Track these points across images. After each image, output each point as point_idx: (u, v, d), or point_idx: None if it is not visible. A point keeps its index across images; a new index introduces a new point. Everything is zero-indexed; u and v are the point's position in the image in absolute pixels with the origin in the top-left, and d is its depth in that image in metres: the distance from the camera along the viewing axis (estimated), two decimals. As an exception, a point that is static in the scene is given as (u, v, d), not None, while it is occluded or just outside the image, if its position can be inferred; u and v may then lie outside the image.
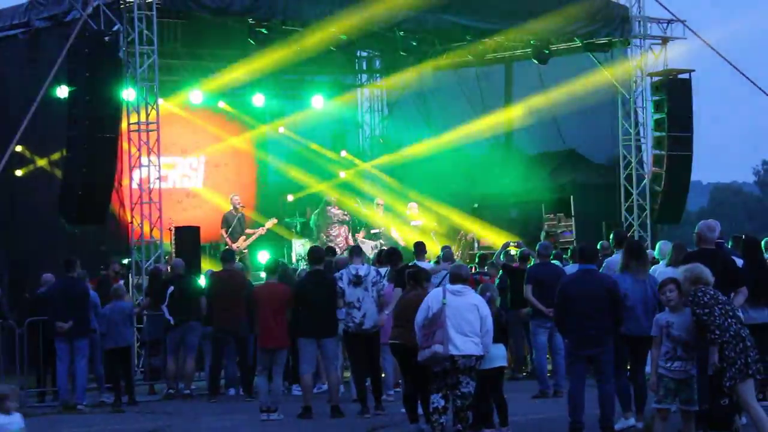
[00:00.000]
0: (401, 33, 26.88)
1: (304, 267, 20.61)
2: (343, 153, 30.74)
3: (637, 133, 27.03)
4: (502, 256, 20.36)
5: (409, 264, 16.88)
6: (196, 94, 26.99)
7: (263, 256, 25.42)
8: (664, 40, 27.08)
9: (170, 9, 23.02)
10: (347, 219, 27.47)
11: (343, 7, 23.62)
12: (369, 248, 25.61)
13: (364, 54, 31.61)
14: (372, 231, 27.48)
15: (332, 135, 31.14)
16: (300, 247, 26.47)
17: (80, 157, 20.97)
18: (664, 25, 27.05)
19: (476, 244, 27.27)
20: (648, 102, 26.91)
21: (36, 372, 19.28)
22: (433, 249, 23.17)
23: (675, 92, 26.44)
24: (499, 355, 14.05)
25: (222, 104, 28.43)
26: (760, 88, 27.79)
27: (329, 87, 30.63)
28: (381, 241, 26.63)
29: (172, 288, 19.32)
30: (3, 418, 9.58)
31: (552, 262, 18.42)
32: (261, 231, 26.43)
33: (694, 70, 26.68)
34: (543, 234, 25.28)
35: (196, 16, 23.68)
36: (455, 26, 25.93)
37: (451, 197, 28.92)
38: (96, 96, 20.93)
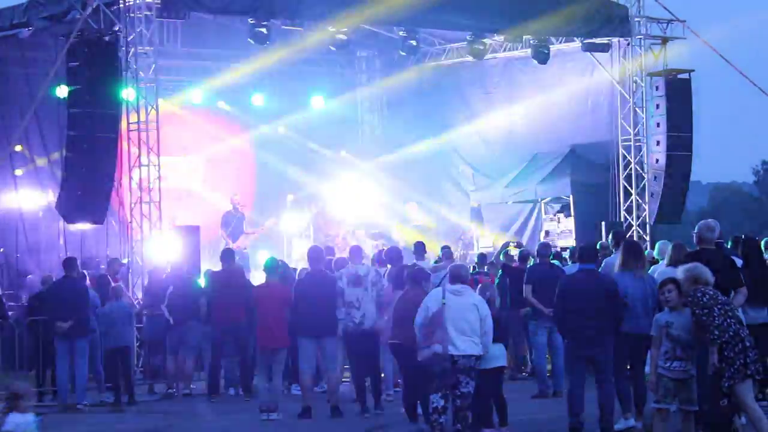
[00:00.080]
0: (401, 33, 26.89)
1: (304, 267, 20.60)
2: (343, 153, 30.74)
3: (637, 133, 27.02)
4: (501, 256, 20.36)
5: (408, 264, 16.87)
6: (195, 94, 27.01)
7: (263, 256, 25.40)
8: (664, 40, 27.06)
9: (170, 9, 23.01)
10: (345, 220, 27.48)
11: (342, 7, 23.61)
12: (370, 247, 25.62)
13: (364, 54, 31.61)
14: (371, 231, 27.48)
15: (332, 134, 31.14)
16: (300, 246, 26.47)
17: (80, 156, 20.97)
18: (664, 25, 27.03)
19: (476, 244, 27.27)
20: (648, 102, 26.91)
21: (35, 372, 19.28)
22: (433, 249, 23.17)
23: (675, 92, 26.43)
24: (499, 355, 14.04)
25: (222, 104, 28.45)
26: (759, 88, 27.77)
27: (329, 87, 30.64)
28: (382, 240, 26.63)
29: (171, 288, 19.31)
30: (19, 417, 9.60)
31: (551, 262, 18.42)
32: (260, 231, 26.42)
33: (693, 70, 26.68)
34: (542, 234, 25.29)
35: (196, 15, 23.69)
36: (455, 26, 25.94)
37: (451, 197, 28.92)
38: (96, 96, 20.92)
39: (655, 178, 26.77)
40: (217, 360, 19.18)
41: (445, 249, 20.42)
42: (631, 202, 26.97)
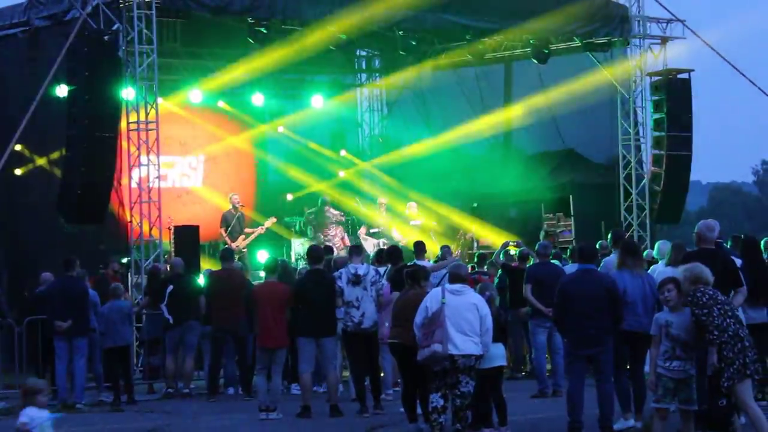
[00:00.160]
0: (401, 32, 26.90)
1: (304, 266, 20.61)
2: (343, 152, 30.75)
3: (637, 133, 27.02)
4: (501, 256, 20.35)
5: (408, 264, 16.87)
6: (195, 94, 26.99)
7: (262, 256, 25.42)
8: (664, 40, 27.08)
9: (170, 8, 23.03)
10: (343, 220, 27.50)
11: (342, 7, 23.62)
12: (371, 245, 25.62)
13: (364, 53, 31.61)
14: (371, 230, 27.48)
15: (331, 134, 31.16)
16: (299, 246, 26.48)
17: (79, 156, 20.98)
18: (664, 24, 27.04)
19: (475, 244, 27.27)
20: (647, 102, 26.91)
21: (35, 371, 19.24)
22: (433, 248, 23.17)
23: (674, 92, 26.44)
24: (499, 355, 14.05)
25: (221, 103, 28.43)
26: (759, 88, 27.80)
27: (329, 86, 30.64)
28: (383, 239, 26.62)
29: (171, 287, 19.31)
30: (35, 411, 9.69)
31: (551, 261, 18.42)
32: (260, 230, 26.43)
33: (693, 70, 26.70)
34: (542, 233, 25.29)
35: (196, 15, 23.69)
36: (455, 26, 25.93)
37: (451, 197, 28.92)
38: (95, 95, 20.94)
39: (655, 178, 26.78)
40: (216, 359, 19.18)
41: (445, 248, 20.42)
42: (631, 201, 26.98)
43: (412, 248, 19.24)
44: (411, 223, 27.44)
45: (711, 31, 28.47)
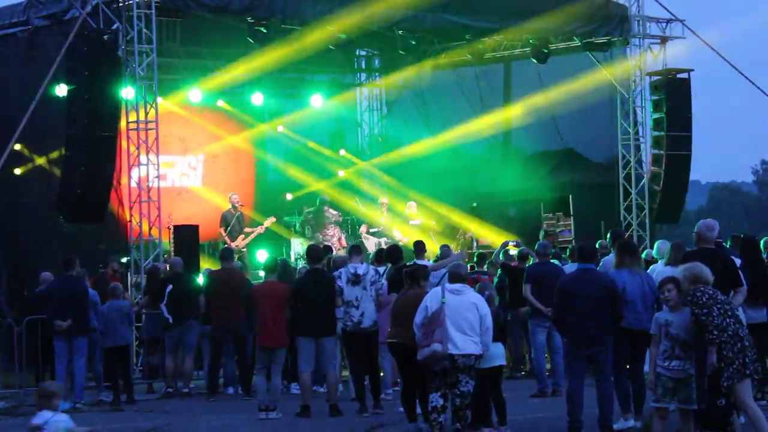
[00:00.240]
0: (400, 32, 26.90)
1: (304, 265, 20.62)
2: (342, 152, 30.75)
3: (636, 133, 27.03)
4: (501, 255, 20.35)
5: (408, 264, 16.86)
6: (195, 93, 26.99)
7: (262, 255, 25.42)
8: (663, 40, 27.08)
9: (169, 7, 23.01)
10: (341, 221, 27.50)
11: (342, 6, 23.62)
12: (372, 244, 25.62)
13: (363, 53, 31.61)
14: (371, 230, 27.48)
15: (331, 134, 31.17)
16: (299, 245, 26.47)
17: (79, 155, 20.97)
18: (663, 24, 27.05)
19: (475, 243, 27.26)
20: (647, 101, 26.92)
21: (34, 370, 19.27)
22: (433, 248, 23.17)
23: (674, 92, 26.44)
24: (498, 354, 14.05)
25: (221, 103, 28.44)
26: (759, 88, 27.80)
27: (328, 86, 30.64)
28: (385, 238, 26.61)
29: (170, 287, 19.30)
30: (49, 414, 9.70)
31: (551, 261, 18.41)
32: (260, 230, 26.42)
33: (693, 70, 26.70)
34: (542, 233, 25.30)
35: (196, 14, 23.66)
36: (454, 25, 25.93)
37: (450, 196, 28.92)
38: (95, 94, 20.94)
39: (654, 177, 26.78)
40: (216, 359, 19.18)
41: (445, 248, 20.41)
42: (630, 201, 26.98)
43: (412, 248, 19.26)
44: (410, 222, 27.46)
45: (711, 31, 28.51)
